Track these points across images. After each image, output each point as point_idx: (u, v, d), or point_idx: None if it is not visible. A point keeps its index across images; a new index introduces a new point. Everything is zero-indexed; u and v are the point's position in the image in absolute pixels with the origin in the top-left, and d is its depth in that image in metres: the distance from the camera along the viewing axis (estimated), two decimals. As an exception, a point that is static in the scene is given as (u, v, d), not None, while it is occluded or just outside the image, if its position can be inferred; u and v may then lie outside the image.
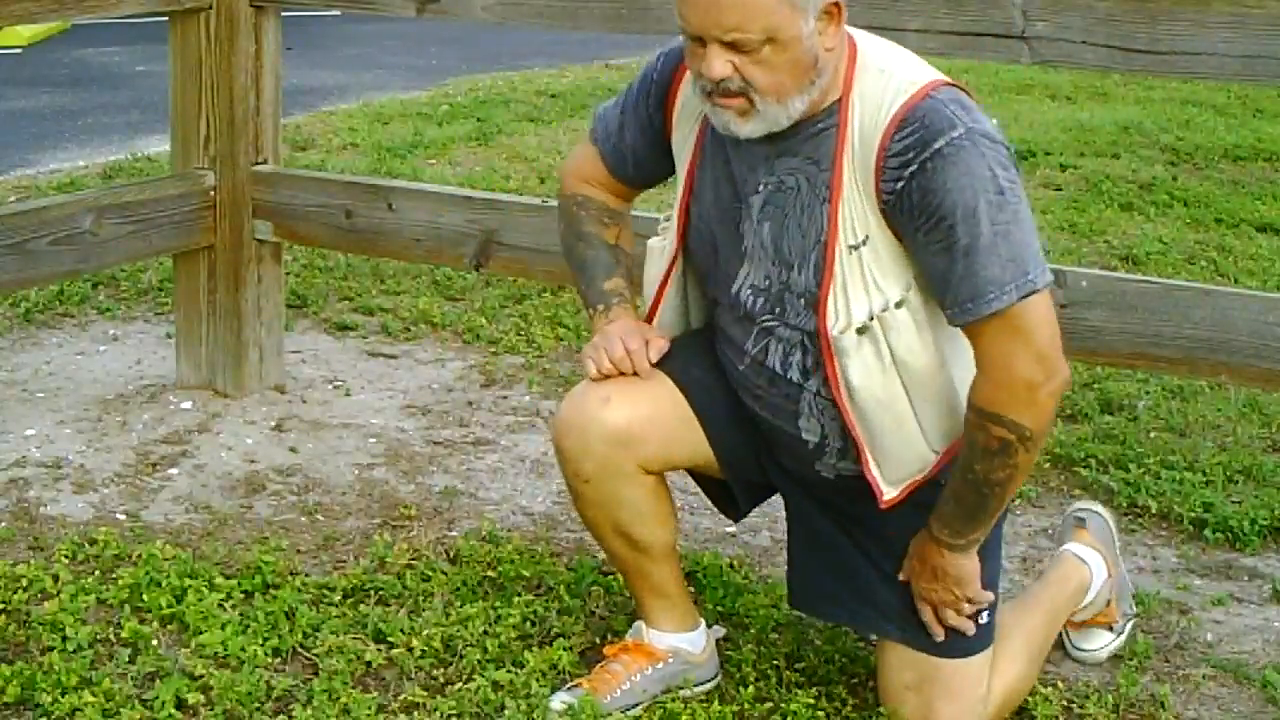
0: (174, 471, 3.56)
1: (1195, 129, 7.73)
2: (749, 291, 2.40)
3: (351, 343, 4.45)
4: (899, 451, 2.35)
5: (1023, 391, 2.21)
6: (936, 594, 2.41)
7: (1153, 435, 3.87)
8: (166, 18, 3.81)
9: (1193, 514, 3.41)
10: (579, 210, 2.60)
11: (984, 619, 2.48)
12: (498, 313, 4.68)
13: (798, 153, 2.30)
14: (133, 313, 4.62)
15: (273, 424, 3.83)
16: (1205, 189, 6.41)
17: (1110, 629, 2.86)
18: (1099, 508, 2.95)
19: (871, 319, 2.27)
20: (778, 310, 2.37)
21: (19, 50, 10.10)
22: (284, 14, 3.90)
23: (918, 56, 2.34)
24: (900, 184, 2.20)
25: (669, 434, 2.49)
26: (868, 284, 2.27)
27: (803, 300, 2.33)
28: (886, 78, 2.24)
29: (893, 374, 2.29)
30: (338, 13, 4.25)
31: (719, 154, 2.40)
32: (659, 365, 2.48)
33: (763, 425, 2.48)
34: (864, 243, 2.26)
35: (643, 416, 2.45)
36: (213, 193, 3.85)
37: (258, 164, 3.85)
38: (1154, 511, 3.45)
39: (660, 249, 2.53)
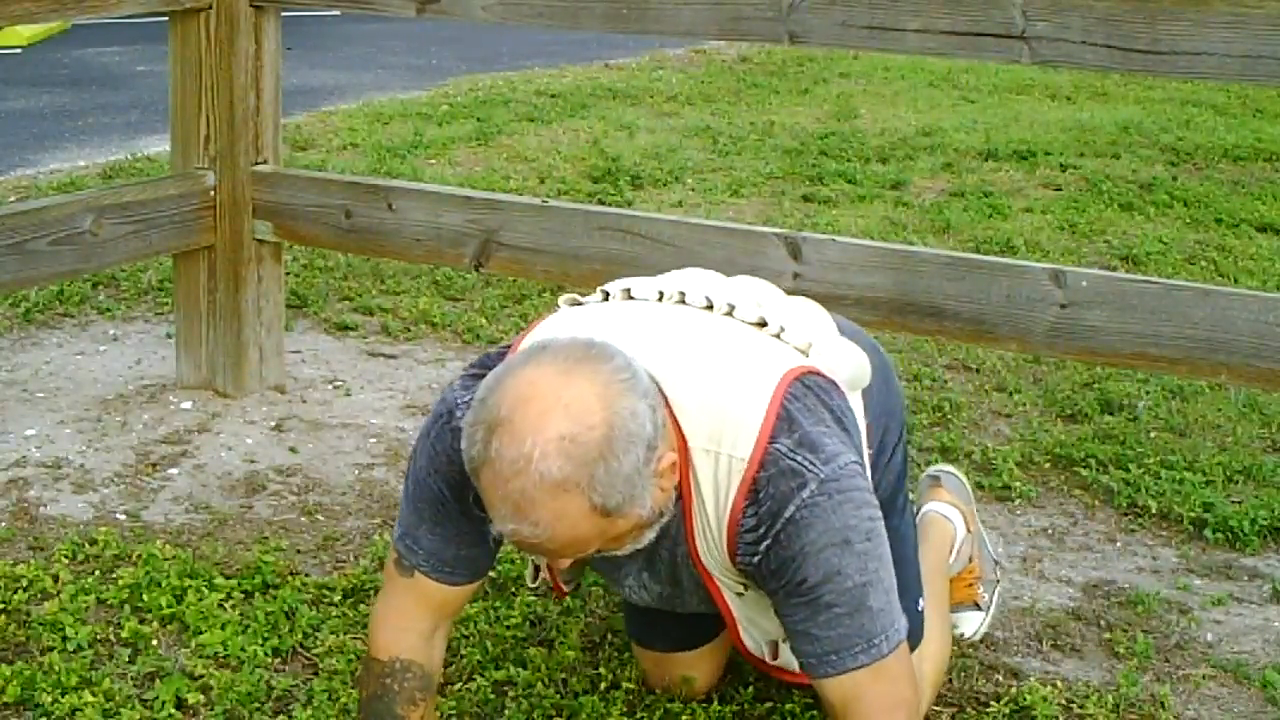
0: (174, 471, 3.56)
1: (1195, 129, 7.73)
2: (637, 595, 2.36)
3: (351, 343, 4.45)
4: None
5: None
6: None
7: (1153, 435, 3.87)
8: (166, 18, 3.81)
9: (1193, 514, 3.41)
10: (392, 684, 2.23)
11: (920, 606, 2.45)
12: (498, 313, 4.68)
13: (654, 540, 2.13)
14: (133, 313, 4.62)
15: (273, 424, 3.83)
16: (1205, 189, 6.41)
17: (978, 607, 2.90)
18: (952, 468, 2.99)
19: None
20: (674, 605, 2.35)
21: (19, 50, 10.10)
22: (284, 14, 3.90)
23: (736, 362, 2.08)
24: (757, 558, 2.05)
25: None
26: (767, 611, 2.19)
27: (703, 606, 2.29)
28: (714, 459, 2.02)
29: None
30: (338, 13, 4.26)
31: None
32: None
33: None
34: (746, 589, 2.19)
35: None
36: (213, 193, 3.85)
37: (258, 164, 3.86)
38: (1154, 511, 3.45)
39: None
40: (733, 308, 2.21)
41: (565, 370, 1.89)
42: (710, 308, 2.21)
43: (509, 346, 2.17)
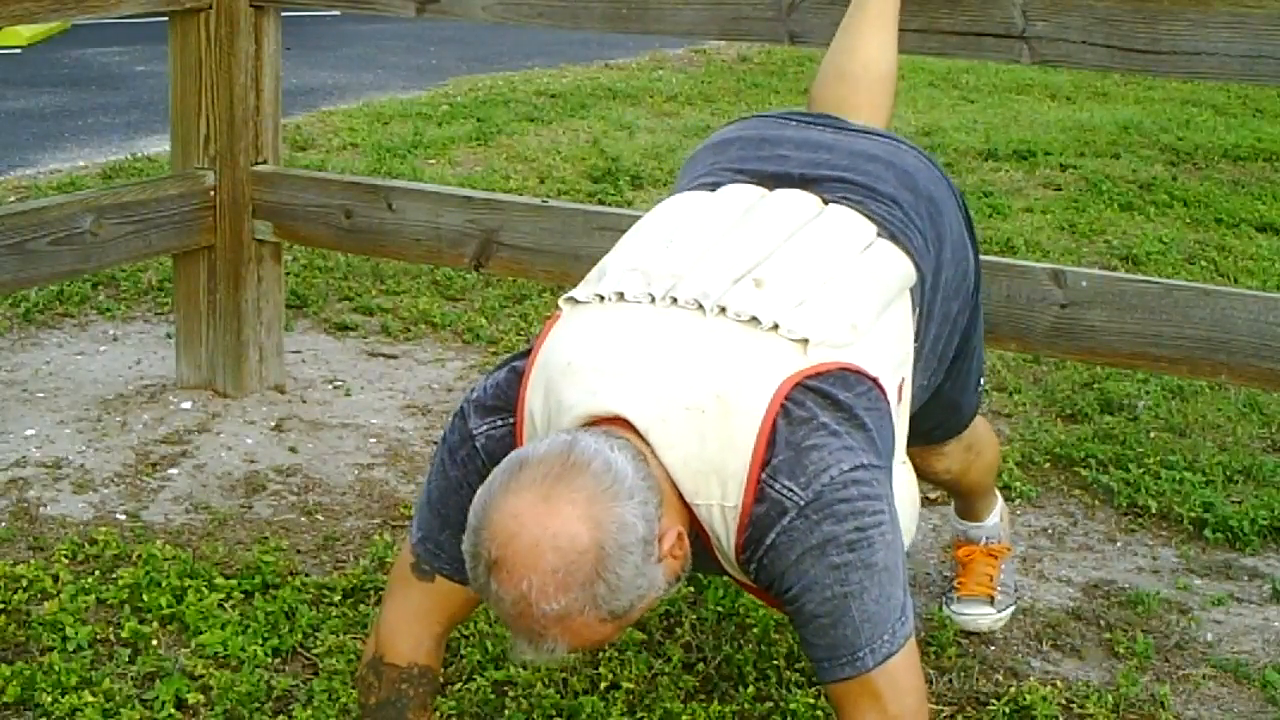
0: (174, 471, 3.56)
1: (1195, 129, 7.73)
2: None
3: (351, 343, 4.45)
4: None
5: None
6: None
7: (1153, 435, 3.87)
8: (166, 18, 3.81)
9: (1193, 514, 3.41)
10: (408, 689, 2.24)
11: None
12: (498, 313, 4.68)
13: None
14: (133, 313, 4.62)
15: (273, 424, 3.83)
16: (1205, 189, 6.41)
17: (991, 602, 2.95)
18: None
19: None
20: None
21: (19, 50, 10.10)
22: (284, 14, 3.90)
23: (723, 393, 2.02)
24: (751, 576, 2.09)
25: None
26: None
27: None
28: (710, 510, 2.02)
29: None
30: (338, 13, 4.26)
31: None
32: None
33: None
34: None
35: None
36: (213, 193, 3.85)
37: (258, 164, 3.86)
38: (1154, 511, 3.45)
39: None
40: (724, 309, 2.12)
41: (545, 495, 1.88)
42: (701, 308, 2.14)
43: (527, 353, 2.13)
